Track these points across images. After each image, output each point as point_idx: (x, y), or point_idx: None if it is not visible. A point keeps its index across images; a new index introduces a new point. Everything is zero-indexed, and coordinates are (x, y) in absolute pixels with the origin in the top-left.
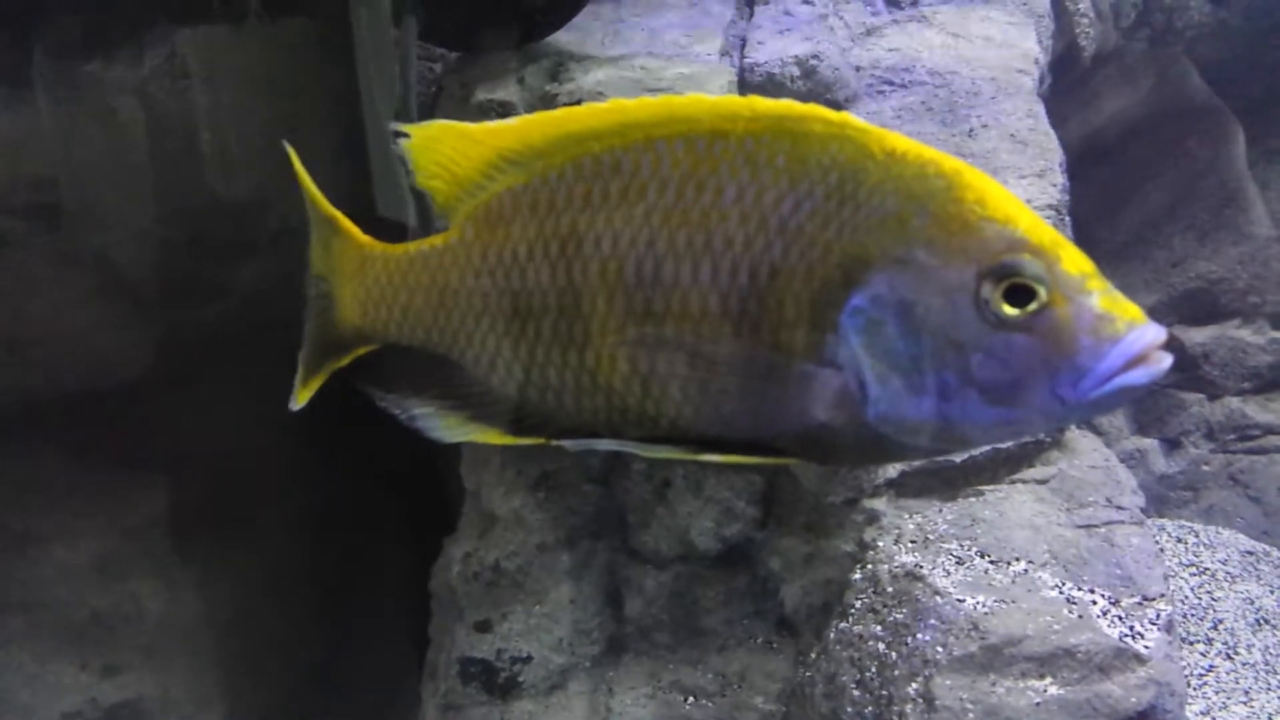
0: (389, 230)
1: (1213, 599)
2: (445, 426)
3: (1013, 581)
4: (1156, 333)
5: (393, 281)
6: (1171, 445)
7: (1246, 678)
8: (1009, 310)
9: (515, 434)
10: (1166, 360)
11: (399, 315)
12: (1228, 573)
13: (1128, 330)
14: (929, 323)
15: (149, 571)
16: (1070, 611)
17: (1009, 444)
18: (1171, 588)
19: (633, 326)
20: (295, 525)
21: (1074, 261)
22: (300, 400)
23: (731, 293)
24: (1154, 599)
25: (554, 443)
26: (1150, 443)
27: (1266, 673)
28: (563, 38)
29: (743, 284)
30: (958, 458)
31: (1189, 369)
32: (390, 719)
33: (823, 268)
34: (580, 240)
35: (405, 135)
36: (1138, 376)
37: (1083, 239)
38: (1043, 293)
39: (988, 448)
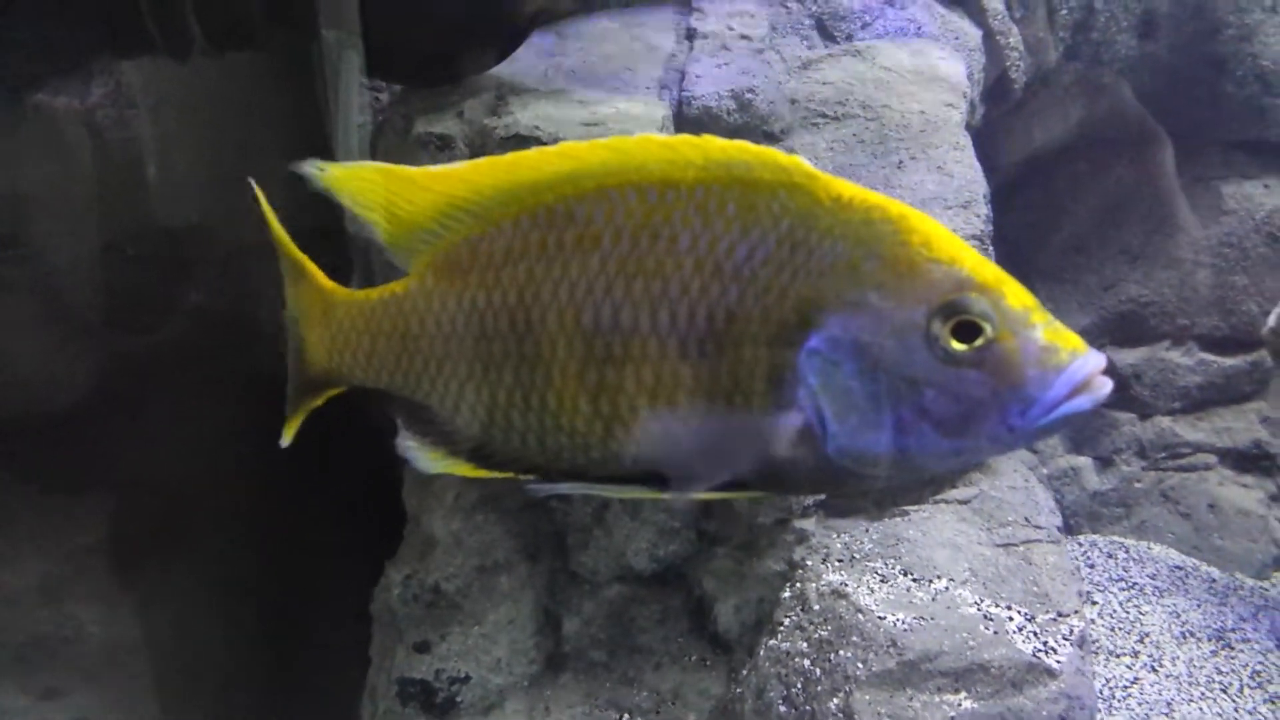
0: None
1: (1140, 613)
2: (430, 460)
3: (933, 599)
4: (1098, 360)
5: (356, 326)
6: (1104, 463)
7: (1169, 690)
8: (958, 346)
9: (485, 468)
10: (1108, 385)
11: (364, 359)
12: (1156, 587)
13: (1071, 360)
14: (883, 362)
15: (91, 595)
16: (986, 628)
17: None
18: (1089, 603)
19: (593, 372)
20: (238, 548)
21: (1018, 297)
22: (286, 437)
23: (690, 337)
24: (1068, 615)
25: (521, 479)
26: (1084, 460)
27: (1189, 684)
28: (504, 70)
29: (700, 329)
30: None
31: (1121, 389)
32: None
33: (778, 312)
34: (538, 288)
35: (322, 170)
36: (1082, 402)
37: (1017, 261)
38: (989, 328)
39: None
